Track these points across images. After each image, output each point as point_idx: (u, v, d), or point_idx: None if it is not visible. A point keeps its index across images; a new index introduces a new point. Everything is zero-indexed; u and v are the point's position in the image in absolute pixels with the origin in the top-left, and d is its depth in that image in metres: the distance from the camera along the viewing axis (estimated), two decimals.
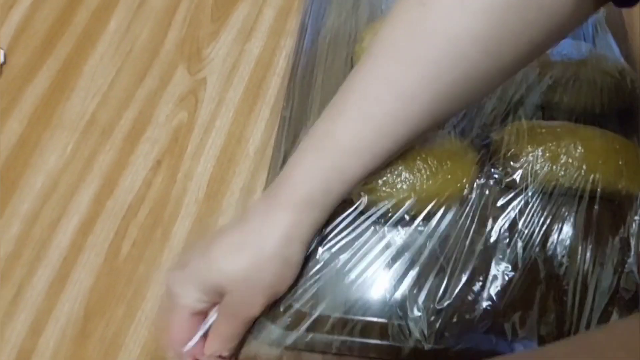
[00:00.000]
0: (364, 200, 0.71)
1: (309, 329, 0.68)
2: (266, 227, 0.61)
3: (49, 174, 0.82)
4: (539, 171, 0.75)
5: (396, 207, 0.72)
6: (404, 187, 0.71)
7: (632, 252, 0.73)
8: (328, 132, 0.62)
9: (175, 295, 0.60)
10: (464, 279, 0.71)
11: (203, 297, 0.61)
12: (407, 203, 0.72)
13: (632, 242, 0.74)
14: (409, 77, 0.59)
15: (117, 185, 0.81)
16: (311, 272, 0.71)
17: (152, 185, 0.81)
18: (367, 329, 0.69)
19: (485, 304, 0.70)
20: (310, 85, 0.87)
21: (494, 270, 0.72)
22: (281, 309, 0.68)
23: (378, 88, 0.60)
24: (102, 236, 0.77)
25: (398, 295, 0.70)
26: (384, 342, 0.68)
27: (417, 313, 0.69)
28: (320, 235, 0.71)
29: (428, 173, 0.72)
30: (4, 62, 0.91)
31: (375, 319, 0.69)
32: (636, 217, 0.76)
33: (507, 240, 0.74)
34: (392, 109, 0.60)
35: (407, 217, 0.73)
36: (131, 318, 0.72)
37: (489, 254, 0.72)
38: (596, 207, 0.76)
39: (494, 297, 0.70)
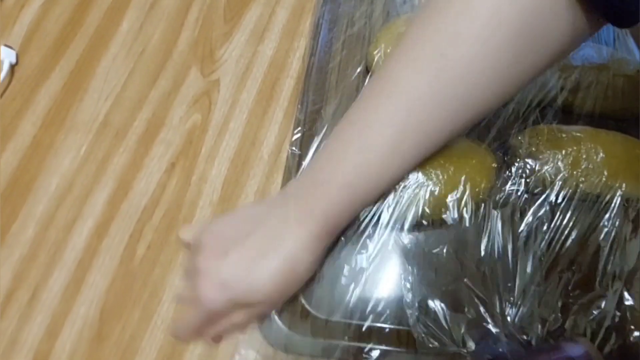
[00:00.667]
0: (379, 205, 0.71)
1: (326, 335, 0.68)
2: (301, 251, 0.62)
3: (64, 175, 0.81)
4: (558, 176, 0.75)
5: (413, 212, 0.71)
6: (422, 193, 0.71)
7: None
8: (349, 142, 0.62)
9: (206, 301, 0.60)
10: (481, 285, 0.71)
11: (233, 306, 0.61)
12: (425, 209, 0.71)
13: None
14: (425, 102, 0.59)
15: (131, 187, 0.81)
16: (329, 279, 0.71)
17: (166, 188, 0.81)
18: (383, 334, 0.69)
19: (508, 310, 0.70)
20: (325, 87, 0.87)
21: (512, 276, 0.72)
22: (298, 316, 0.69)
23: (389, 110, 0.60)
24: (117, 239, 0.77)
25: (412, 300, 0.70)
26: (401, 350, 0.69)
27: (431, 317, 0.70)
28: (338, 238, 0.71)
29: (446, 178, 0.72)
30: (17, 63, 0.91)
31: (390, 326, 0.69)
32: None
33: (526, 246, 0.73)
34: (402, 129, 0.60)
35: (425, 222, 0.73)
36: (147, 321, 0.72)
37: (507, 260, 0.72)
38: (617, 213, 0.75)
39: (516, 304, 0.70)
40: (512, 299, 0.70)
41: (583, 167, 0.74)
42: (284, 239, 0.61)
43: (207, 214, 0.79)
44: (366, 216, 0.71)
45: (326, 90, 0.86)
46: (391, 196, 0.70)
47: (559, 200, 0.75)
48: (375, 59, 0.86)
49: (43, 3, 0.97)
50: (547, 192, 0.75)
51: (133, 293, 0.74)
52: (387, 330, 0.69)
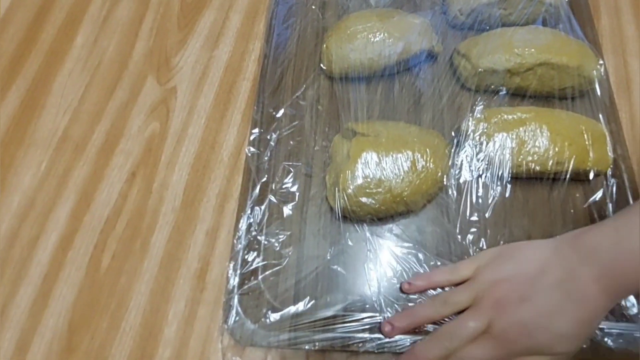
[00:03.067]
0: (343, 204, 0.74)
1: (292, 328, 0.70)
2: (602, 313, 0.63)
3: (25, 192, 0.82)
4: (508, 156, 0.77)
5: (375, 208, 0.74)
6: (380, 189, 0.73)
7: None
8: None
9: (505, 341, 0.63)
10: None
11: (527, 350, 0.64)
12: (386, 203, 0.74)
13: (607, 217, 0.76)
14: None
15: (93, 199, 0.81)
16: (291, 273, 0.73)
17: (128, 197, 0.81)
18: (349, 323, 0.70)
19: None
20: (280, 87, 0.89)
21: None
22: (263, 311, 0.70)
23: None
24: (81, 251, 0.77)
25: (381, 290, 0.72)
26: (365, 336, 0.70)
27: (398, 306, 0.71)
28: (301, 236, 0.75)
29: (404, 171, 0.74)
30: None
31: (358, 315, 0.71)
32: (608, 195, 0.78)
33: (484, 229, 0.76)
34: None
35: (388, 215, 0.76)
36: (116, 329, 0.72)
37: (466, 244, 0.75)
38: (567, 188, 0.79)
39: None
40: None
41: (530, 145, 0.77)
42: (586, 302, 0.62)
43: (170, 221, 0.79)
44: (326, 215, 0.75)
45: (281, 89, 0.88)
46: (351, 196, 0.73)
47: (511, 180, 0.78)
48: (327, 57, 0.87)
49: None
50: (499, 172, 0.78)
51: (100, 303, 0.74)
52: (353, 318, 0.70)
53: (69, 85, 0.91)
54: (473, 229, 0.76)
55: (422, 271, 0.73)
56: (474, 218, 0.77)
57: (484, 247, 0.74)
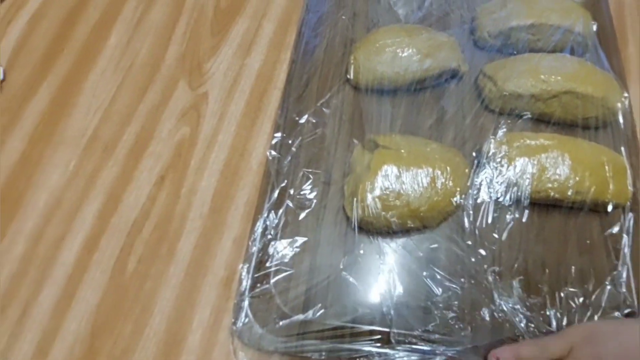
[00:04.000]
0: (360, 215, 0.74)
1: (300, 335, 0.70)
2: None
3: (52, 191, 0.81)
4: (528, 182, 0.77)
5: (392, 220, 0.74)
6: (398, 203, 0.73)
7: (620, 263, 0.75)
8: None
9: None
10: (458, 291, 0.73)
11: None
12: (403, 217, 0.74)
13: (621, 255, 0.76)
14: None
15: (121, 201, 0.81)
16: (303, 280, 0.73)
17: (156, 201, 0.81)
18: (357, 335, 0.70)
19: (483, 312, 0.72)
20: (305, 93, 0.89)
21: (485, 282, 0.74)
22: (272, 316, 0.70)
23: None
24: (107, 253, 0.77)
25: (392, 305, 0.72)
26: (373, 350, 0.69)
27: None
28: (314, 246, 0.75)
29: (423, 187, 0.74)
30: (4, 79, 0.91)
31: (367, 327, 0.71)
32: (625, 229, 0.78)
33: (498, 252, 0.76)
34: None
35: (404, 230, 0.76)
36: (139, 335, 0.72)
37: (481, 264, 0.75)
38: (584, 218, 0.79)
39: (490, 309, 0.72)
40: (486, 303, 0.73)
41: (551, 172, 0.77)
42: None
43: (197, 227, 0.79)
44: (344, 225, 0.76)
45: (306, 96, 0.88)
46: (367, 207, 0.73)
47: (529, 205, 0.78)
48: (354, 68, 0.88)
49: (30, 19, 0.98)
50: (517, 197, 0.78)
51: (124, 307, 0.73)
52: (361, 331, 0.70)
53: (101, 85, 0.91)
54: (487, 251, 0.76)
55: (435, 290, 0.73)
56: (489, 240, 0.76)
57: (497, 270, 0.74)
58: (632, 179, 0.79)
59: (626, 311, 0.72)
